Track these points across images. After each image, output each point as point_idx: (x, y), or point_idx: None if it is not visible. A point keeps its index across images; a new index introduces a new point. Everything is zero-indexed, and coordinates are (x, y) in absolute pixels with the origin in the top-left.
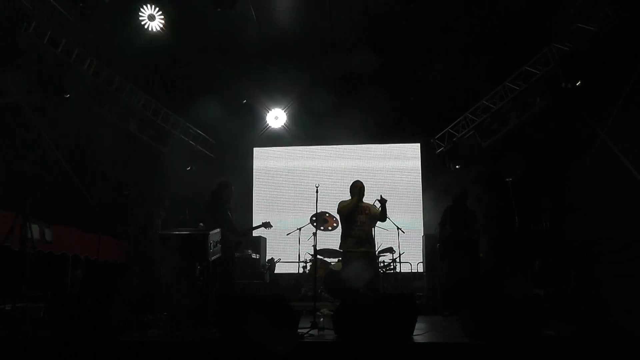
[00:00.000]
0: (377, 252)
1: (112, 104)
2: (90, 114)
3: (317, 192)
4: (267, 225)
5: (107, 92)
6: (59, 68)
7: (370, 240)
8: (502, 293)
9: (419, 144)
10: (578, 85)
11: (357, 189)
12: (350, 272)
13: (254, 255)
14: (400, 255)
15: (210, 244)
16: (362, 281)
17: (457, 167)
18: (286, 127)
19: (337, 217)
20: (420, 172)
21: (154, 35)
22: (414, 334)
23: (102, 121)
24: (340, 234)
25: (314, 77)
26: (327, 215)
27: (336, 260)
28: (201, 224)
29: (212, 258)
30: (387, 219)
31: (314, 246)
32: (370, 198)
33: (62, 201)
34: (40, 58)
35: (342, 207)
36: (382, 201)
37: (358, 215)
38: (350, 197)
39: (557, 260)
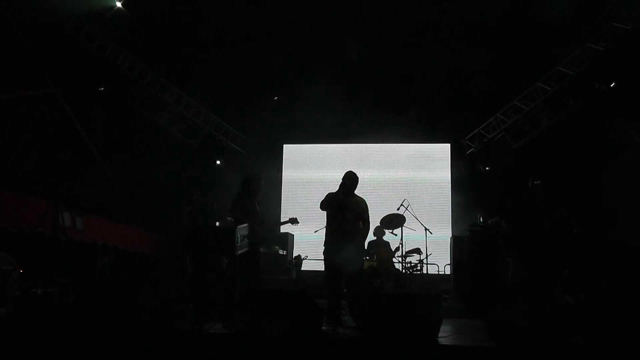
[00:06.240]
0: (402, 253)
1: (144, 97)
2: (123, 106)
3: None
4: (294, 221)
5: (140, 86)
6: (94, 62)
7: (353, 237)
8: (531, 297)
9: (449, 145)
10: (612, 87)
11: (343, 181)
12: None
13: (280, 252)
14: (427, 256)
15: (238, 238)
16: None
17: (487, 168)
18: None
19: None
20: (450, 173)
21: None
22: (439, 335)
23: (134, 114)
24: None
25: (348, 76)
26: None
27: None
28: (229, 218)
29: (239, 252)
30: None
31: None
32: (398, 197)
33: (94, 191)
34: (77, 52)
35: (323, 200)
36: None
37: (340, 211)
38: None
39: (588, 267)
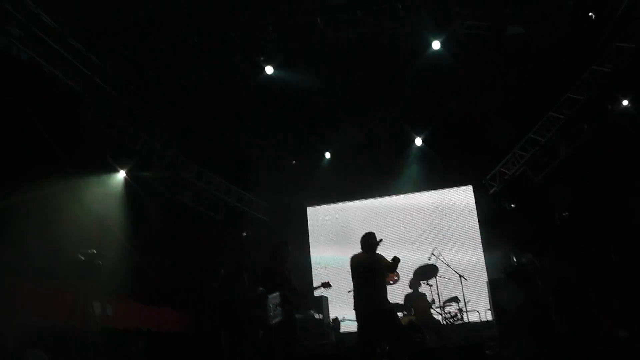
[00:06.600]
0: (440, 304)
1: (165, 177)
2: (144, 187)
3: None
4: (326, 285)
5: (160, 167)
6: (113, 147)
7: (384, 297)
8: (578, 335)
9: (471, 186)
10: (625, 106)
11: (368, 242)
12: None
13: (317, 315)
14: (466, 303)
15: (270, 307)
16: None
17: (512, 206)
18: None
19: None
20: (476, 214)
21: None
22: None
23: (156, 194)
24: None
25: (361, 131)
26: None
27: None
28: (261, 288)
29: (274, 321)
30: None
31: None
32: (428, 246)
33: (122, 276)
34: (97, 139)
35: (351, 267)
36: (395, 260)
37: (369, 272)
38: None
39: (636, 295)
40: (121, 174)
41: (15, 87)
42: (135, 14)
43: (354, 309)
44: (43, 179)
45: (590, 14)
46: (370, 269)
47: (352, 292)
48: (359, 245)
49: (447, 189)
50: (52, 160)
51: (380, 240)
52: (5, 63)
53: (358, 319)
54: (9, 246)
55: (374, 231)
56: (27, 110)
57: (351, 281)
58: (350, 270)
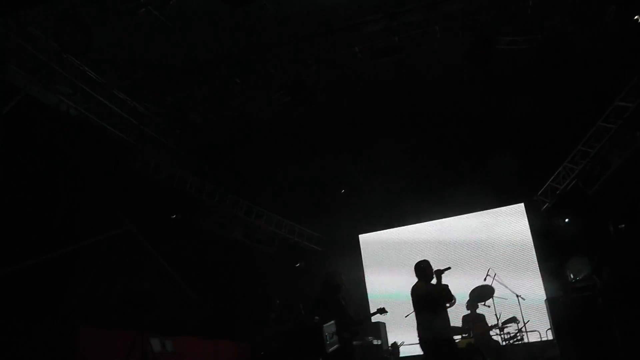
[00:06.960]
0: (499, 324)
1: (216, 215)
2: (196, 227)
3: None
4: (382, 311)
5: (210, 206)
6: (164, 192)
7: (447, 326)
8: None
9: (522, 204)
10: None
11: (424, 270)
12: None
13: (375, 342)
14: (525, 324)
15: (326, 336)
16: None
17: (566, 221)
18: None
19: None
20: (530, 232)
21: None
22: None
23: (207, 232)
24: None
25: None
26: None
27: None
28: (316, 317)
29: (330, 350)
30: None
31: None
32: (483, 267)
33: (179, 312)
34: (146, 185)
35: (424, 293)
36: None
37: (430, 300)
38: (418, 280)
39: None
40: (173, 215)
41: (65, 142)
42: (175, 59)
43: (419, 338)
44: (97, 226)
45: (636, 17)
46: (430, 297)
47: (414, 317)
48: (413, 270)
49: (499, 208)
50: (104, 208)
51: (448, 268)
52: (56, 120)
53: (422, 347)
54: (68, 291)
55: (428, 259)
56: (76, 162)
57: (410, 306)
58: (410, 299)
